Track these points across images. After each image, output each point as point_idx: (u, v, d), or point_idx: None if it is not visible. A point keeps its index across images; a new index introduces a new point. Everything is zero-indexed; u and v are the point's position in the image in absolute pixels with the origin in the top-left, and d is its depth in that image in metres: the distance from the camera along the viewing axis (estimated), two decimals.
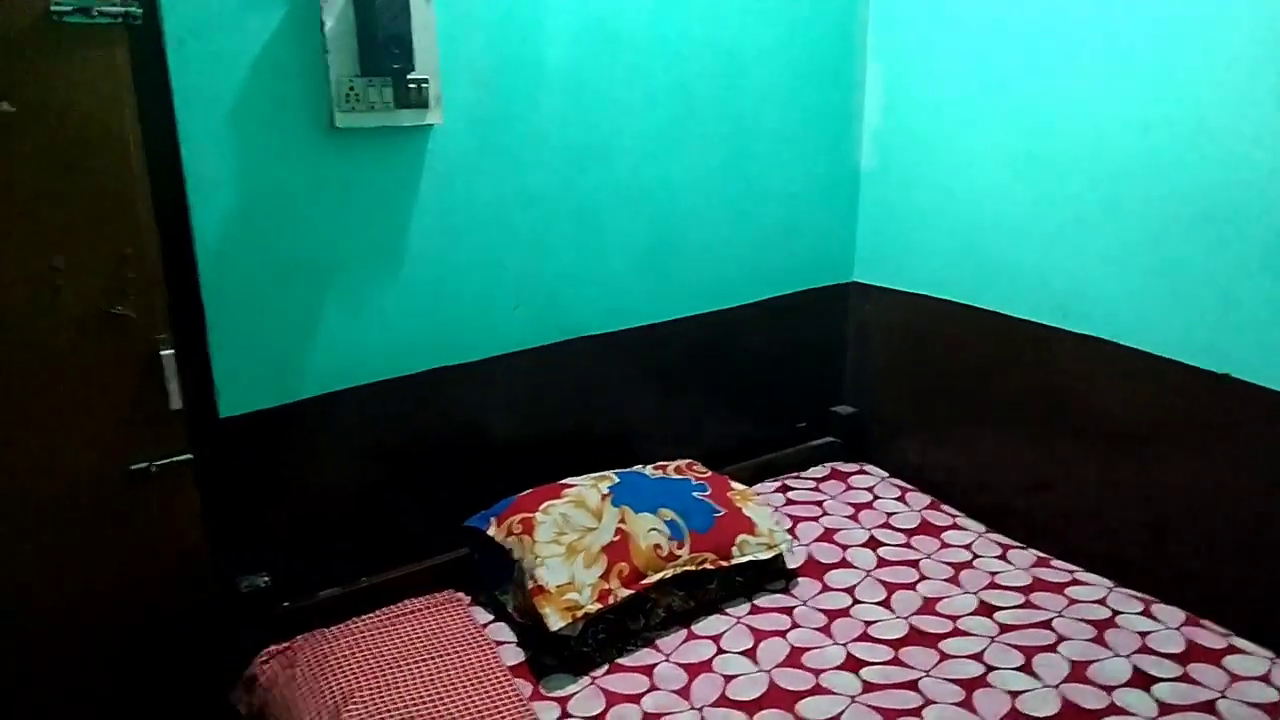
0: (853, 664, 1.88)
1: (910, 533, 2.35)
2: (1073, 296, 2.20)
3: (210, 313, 1.81)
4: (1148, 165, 2.01)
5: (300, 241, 1.88)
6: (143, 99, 1.68)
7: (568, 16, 2.08)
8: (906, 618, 2.02)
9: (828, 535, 2.34)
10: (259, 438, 1.91)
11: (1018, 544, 2.30)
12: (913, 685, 1.81)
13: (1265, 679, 1.78)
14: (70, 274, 1.67)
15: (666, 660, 1.90)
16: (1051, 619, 1.99)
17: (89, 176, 1.66)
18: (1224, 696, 1.74)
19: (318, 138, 1.85)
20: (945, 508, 2.48)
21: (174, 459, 1.82)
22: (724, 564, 2.03)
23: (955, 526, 2.38)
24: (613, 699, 1.78)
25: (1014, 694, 1.77)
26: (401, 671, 1.80)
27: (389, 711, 1.70)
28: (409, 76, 1.86)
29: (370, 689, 1.75)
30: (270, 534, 1.97)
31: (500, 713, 1.71)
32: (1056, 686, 1.79)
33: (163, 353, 1.77)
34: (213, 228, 1.78)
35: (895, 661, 1.88)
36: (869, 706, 1.75)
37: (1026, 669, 1.84)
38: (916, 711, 1.74)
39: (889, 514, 2.44)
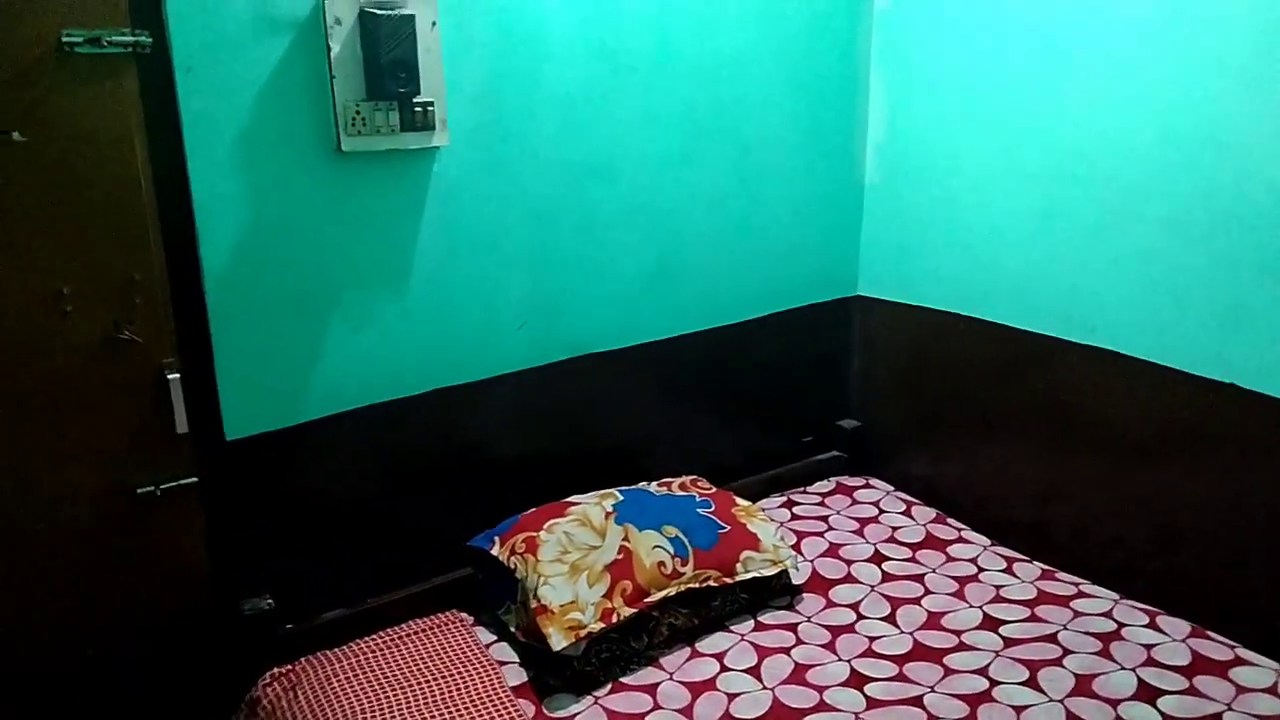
0: (857, 680, 1.88)
1: (915, 547, 2.35)
2: (1078, 307, 2.20)
3: (217, 336, 1.83)
4: (1152, 175, 2.02)
5: (306, 265, 1.89)
6: (151, 126, 1.70)
7: (572, 37, 2.10)
8: (911, 633, 2.02)
9: (833, 550, 2.34)
10: (264, 460, 1.92)
11: (1023, 557, 2.30)
12: (918, 701, 1.81)
13: (1272, 690, 1.78)
14: (78, 299, 1.69)
15: (670, 679, 1.90)
16: (1057, 632, 1.98)
17: (98, 203, 1.68)
18: (1230, 709, 1.73)
19: (324, 162, 1.87)
20: (951, 521, 2.48)
21: (180, 482, 1.84)
22: (728, 581, 2.04)
23: (961, 540, 2.38)
24: (616, 719, 1.78)
25: (1019, 709, 1.77)
26: (405, 693, 1.81)
27: None
28: (414, 100, 1.87)
29: (373, 711, 1.76)
30: (274, 556, 1.98)
31: None
32: (1061, 701, 1.78)
33: (169, 376, 1.78)
34: (220, 252, 1.80)
35: (900, 677, 1.88)
36: None
37: (1032, 683, 1.84)
38: None
39: (894, 528, 2.44)
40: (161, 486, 1.82)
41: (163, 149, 1.72)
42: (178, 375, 1.79)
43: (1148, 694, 1.79)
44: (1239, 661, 1.86)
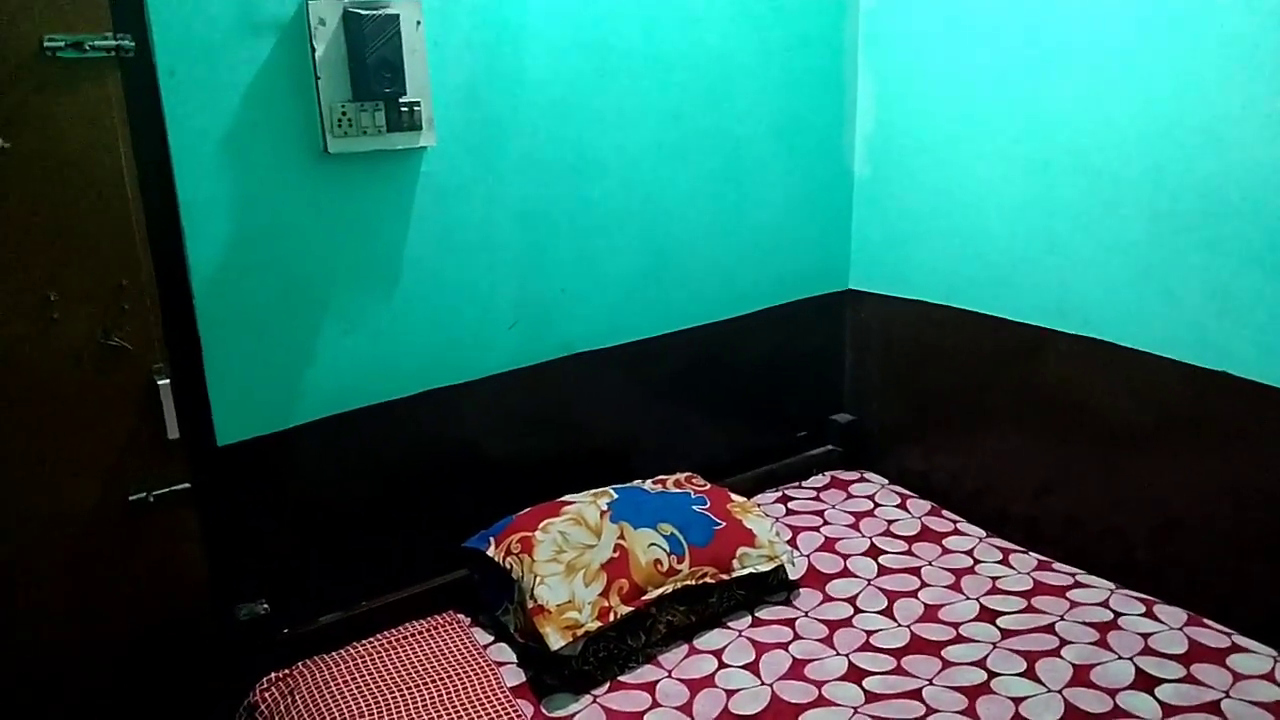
0: (855, 674, 1.87)
1: (911, 540, 2.35)
2: (1069, 298, 2.20)
3: (206, 341, 1.82)
4: (1143, 166, 2.01)
5: (295, 267, 1.88)
6: (136, 130, 1.69)
7: (557, 35, 2.09)
8: (908, 626, 2.02)
9: (829, 545, 2.34)
10: (257, 465, 1.91)
11: (1019, 548, 2.30)
12: (916, 694, 1.81)
13: (1269, 677, 1.77)
14: (65, 306, 1.68)
15: (668, 676, 1.89)
16: (1054, 623, 1.98)
17: (84, 209, 1.67)
18: (1228, 696, 1.73)
19: (311, 163, 1.85)
20: (946, 514, 2.48)
21: (172, 488, 1.83)
22: (724, 577, 2.03)
23: (956, 532, 2.38)
24: (615, 717, 1.78)
25: (1017, 700, 1.77)
26: (403, 695, 1.80)
27: None
28: (401, 100, 1.87)
29: (372, 714, 1.75)
30: (269, 561, 1.97)
31: None
32: (1060, 691, 1.78)
33: (159, 382, 1.77)
34: (207, 256, 1.79)
35: (898, 671, 1.88)
36: (872, 717, 1.75)
37: (1029, 674, 1.84)
38: None
39: (890, 521, 2.44)
40: (154, 493, 1.82)
41: (148, 153, 1.71)
42: (168, 381, 1.78)
43: (1146, 683, 1.79)
44: (1236, 649, 1.86)
